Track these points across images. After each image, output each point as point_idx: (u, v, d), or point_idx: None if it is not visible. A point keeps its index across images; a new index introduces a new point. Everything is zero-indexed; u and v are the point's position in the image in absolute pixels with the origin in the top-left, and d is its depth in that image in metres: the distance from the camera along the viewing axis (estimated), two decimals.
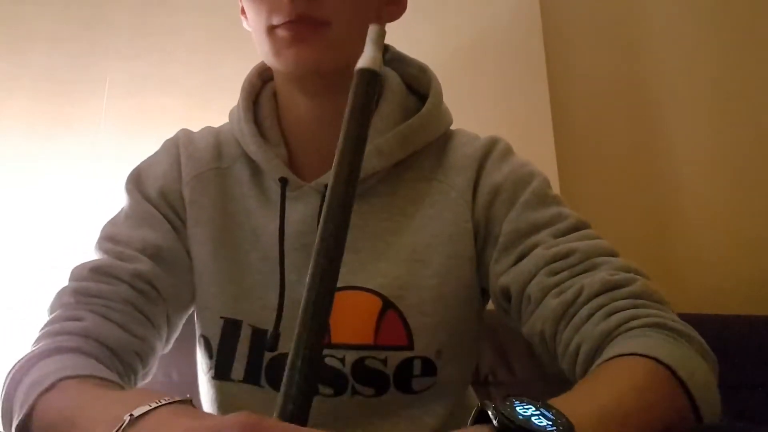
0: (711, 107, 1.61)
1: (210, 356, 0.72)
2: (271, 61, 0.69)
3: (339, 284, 0.67)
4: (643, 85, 1.66)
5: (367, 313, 0.68)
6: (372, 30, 0.48)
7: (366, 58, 0.47)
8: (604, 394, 0.48)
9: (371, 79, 0.46)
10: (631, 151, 1.64)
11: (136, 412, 0.43)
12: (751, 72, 1.60)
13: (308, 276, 0.42)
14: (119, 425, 0.42)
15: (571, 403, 0.45)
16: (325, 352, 0.67)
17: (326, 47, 0.65)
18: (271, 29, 0.65)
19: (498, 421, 0.38)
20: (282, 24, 0.63)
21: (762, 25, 1.61)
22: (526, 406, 0.38)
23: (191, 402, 0.46)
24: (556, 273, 0.64)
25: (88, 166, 1.50)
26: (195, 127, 0.82)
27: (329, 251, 0.43)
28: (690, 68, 1.63)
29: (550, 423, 0.38)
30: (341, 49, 0.66)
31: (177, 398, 0.45)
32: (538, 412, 0.38)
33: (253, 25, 0.68)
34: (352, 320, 0.68)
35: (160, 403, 0.44)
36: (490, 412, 0.39)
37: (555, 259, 0.64)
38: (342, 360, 0.68)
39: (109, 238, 0.71)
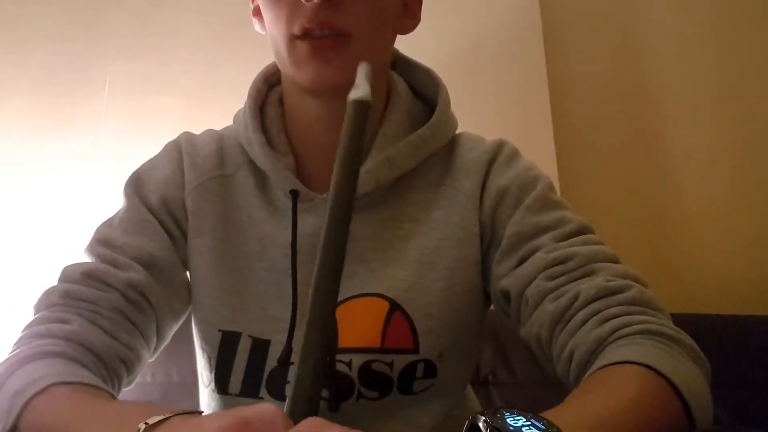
0: (711, 107, 1.61)
1: (209, 370, 0.71)
2: (290, 72, 0.68)
3: (348, 294, 0.68)
4: (642, 85, 1.66)
5: (374, 316, 0.68)
6: (363, 67, 0.53)
7: (360, 92, 0.51)
8: (597, 404, 0.48)
9: (365, 109, 0.50)
10: (631, 151, 1.64)
11: (151, 421, 0.43)
12: (751, 72, 1.60)
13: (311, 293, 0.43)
14: None
15: (564, 414, 0.45)
16: None
17: (347, 63, 0.64)
18: (291, 39, 0.64)
19: None
20: (303, 36, 0.63)
21: (762, 26, 1.61)
22: (516, 418, 0.38)
23: (202, 413, 0.46)
24: (555, 277, 0.64)
25: (88, 166, 1.50)
26: (195, 128, 0.81)
27: (331, 269, 0.43)
28: (690, 68, 1.63)
29: None
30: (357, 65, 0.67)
31: (189, 411, 0.45)
32: (528, 423, 0.38)
33: (272, 31, 0.67)
34: (359, 324, 0.68)
35: (174, 413, 0.43)
36: (480, 425, 0.39)
37: (554, 263, 0.65)
38: (348, 364, 0.67)
39: (103, 242, 0.70)
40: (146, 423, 0.42)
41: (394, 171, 0.71)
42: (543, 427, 0.38)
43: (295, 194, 0.70)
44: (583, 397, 0.51)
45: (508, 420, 0.38)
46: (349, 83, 0.66)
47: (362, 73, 0.52)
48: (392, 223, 0.72)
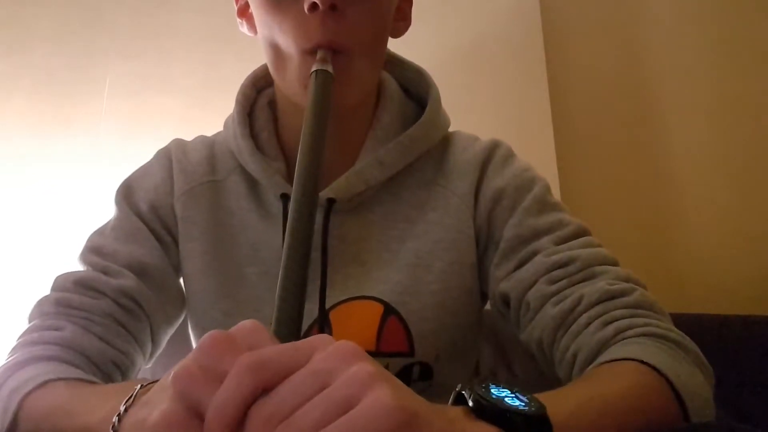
0: (711, 107, 1.61)
1: None
2: (293, 90, 0.67)
3: (343, 297, 0.68)
4: (642, 85, 1.66)
5: (369, 320, 0.68)
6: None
7: (320, 63, 0.60)
8: (587, 389, 0.49)
9: (329, 78, 0.59)
10: (631, 151, 1.64)
11: (146, 382, 0.43)
12: (751, 71, 1.60)
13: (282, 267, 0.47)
14: (131, 393, 0.42)
15: (552, 394, 0.45)
16: None
17: (351, 83, 0.65)
18: (304, 55, 0.63)
19: (472, 400, 0.39)
20: (313, 52, 0.62)
21: (762, 25, 1.61)
22: (501, 389, 0.40)
23: None
24: (556, 281, 0.64)
25: (87, 166, 1.51)
26: (194, 128, 0.82)
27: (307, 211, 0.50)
28: (690, 68, 1.63)
29: (522, 404, 0.39)
30: (364, 81, 0.68)
31: None
32: (512, 395, 0.39)
33: (275, 41, 0.66)
34: (354, 328, 0.67)
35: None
36: (465, 393, 0.40)
37: (555, 267, 0.64)
38: None
39: (94, 250, 0.70)
40: (142, 384, 0.43)
41: (384, 171, 0.71)
42: (526, 399, 0.39)
43: (285, 198, 0.70)
44: (575, 385, 0.51)
45: (492, 390, 0.39)
46: (354, 102, 0.67)
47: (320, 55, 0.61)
48: (386, 223, 0.71)
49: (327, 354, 0.34)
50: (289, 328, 0.43)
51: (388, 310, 0.68)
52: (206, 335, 0.36)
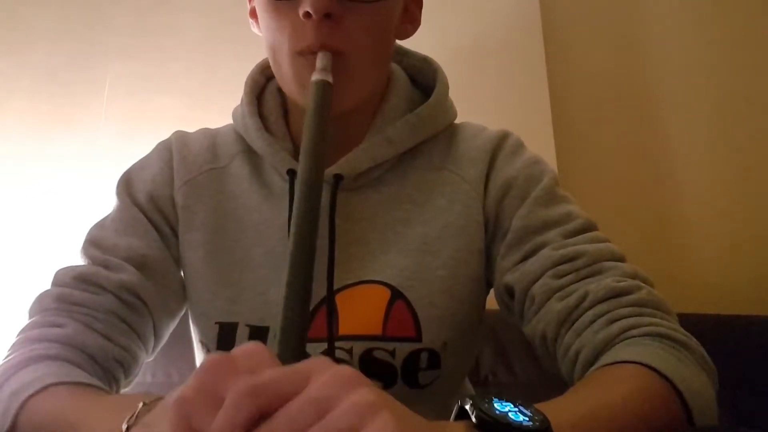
0: (711, 107, 1.61)
1: None
2: (291, 91, 0.68)
3: (349, 281, 0.68)
4: (643, 85, 1.66)
5: (375, 304, 0.67)
6: (322, 55, 0.61)
7: (320, 73, 0.60)
8: (590, 397, 0.48)
9: (328, 88, 0.59)
10: (631, 151, 1.64)
11: (148, 400, 0.43)
12: (751, 72, 1.60)
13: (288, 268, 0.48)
14: (133, 412, 0.42)
15: (554, 404, 0.45)
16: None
17: (349, 86, 0.65)
18: (295, 56, 0.64)
19: (475, 416, 0.38)
20: (305, 53, 0.63)
21: (762, 25, 1.61)
22: (504, 403, 0.39)
23: None
24: (562, 276, 0.63)
25: (88, 166, 1.50)
26: (194, 128, 0.82)
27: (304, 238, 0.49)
28: (690, 68, 1.63)
29: (526, 419, 0.38)
30: (364, 85, 0.68)
31: None
32: (516, 409, 0.39)
33: (273, 43, 0.67)
34: (360, 312, 0.67)
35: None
36: (467, 407, 0.39)
37: (562, 261, 0.64)
38: (349, 352, 0.66)
39: (95, 243, 0.70)
40: (144, 402, 0.43)
41: (391, 149, 0.71)
42: (529, 413, 0.39)
43: (292, 174, 0.70)
44: (578, 391, 0.51)
45: (495, 404, 0.39)
46: (353, 105, 0.67)
47: (322, 59, 0.60)
48: (392, 204, 0.71)
49: (326, 380, 0.33)
50: (294, 347, 0.43)
51: (395, 295, 0.67)
52: (206, 358, 0.35)
